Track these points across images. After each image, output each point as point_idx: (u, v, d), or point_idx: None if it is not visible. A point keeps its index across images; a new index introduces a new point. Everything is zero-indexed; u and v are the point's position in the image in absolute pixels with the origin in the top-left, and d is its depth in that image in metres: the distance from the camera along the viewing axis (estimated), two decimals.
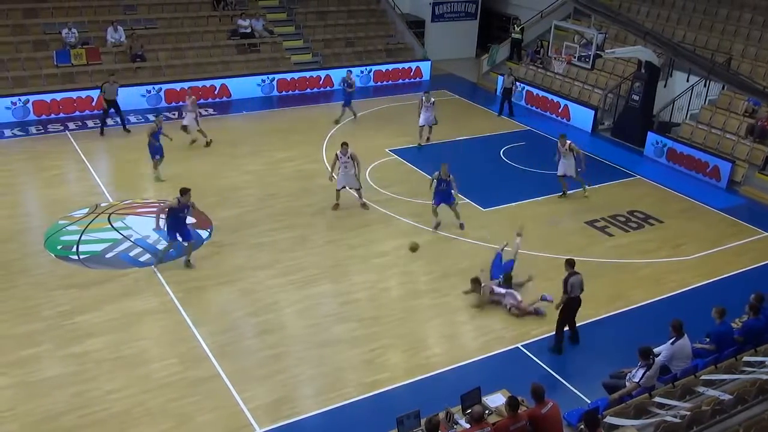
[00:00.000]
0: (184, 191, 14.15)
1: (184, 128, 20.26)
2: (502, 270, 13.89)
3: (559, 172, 18.22)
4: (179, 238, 14.36)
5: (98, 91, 21.63)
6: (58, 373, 11.33)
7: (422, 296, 14.00)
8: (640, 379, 10.03)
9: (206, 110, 23.81)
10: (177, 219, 14.18)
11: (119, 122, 21.73)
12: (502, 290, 13.40)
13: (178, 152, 19.94)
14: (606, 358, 11.87)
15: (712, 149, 20.76)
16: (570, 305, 12.22)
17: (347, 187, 17.05)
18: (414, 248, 14.19)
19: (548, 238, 16.32)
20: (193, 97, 20.45)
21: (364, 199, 17.24)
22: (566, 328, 12.50)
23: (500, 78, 26.42)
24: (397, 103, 25.31)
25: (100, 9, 25.23)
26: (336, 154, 16.73)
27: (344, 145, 16.71)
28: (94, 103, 22.48)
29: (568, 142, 17.98)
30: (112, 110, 21.43)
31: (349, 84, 22.87)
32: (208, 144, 20.54)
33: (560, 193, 18.55)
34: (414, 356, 12.20)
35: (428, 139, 21.58)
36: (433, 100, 21.10)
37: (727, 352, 10.80)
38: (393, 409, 9.62)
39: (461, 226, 16.36)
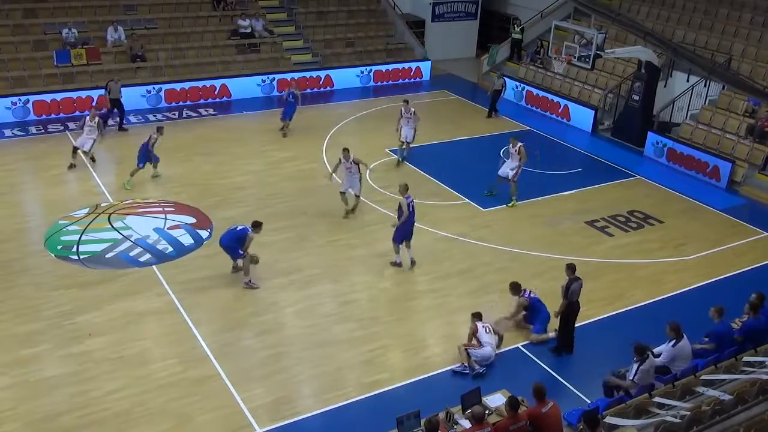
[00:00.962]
0: (257, 224, 13.80)
1: (84, 152, 18.77)
2: (543, 319, 12.73)
3: (501, 173, 17.81)
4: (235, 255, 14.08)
5: (103, 91, 21.51)
6: (58, 373, 11.33)
7: (422, 296, 14.00)
8: (634, 375, 10.07)
9: (206, 110, 23.87)
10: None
11: (118, 121, 21.71)
12: (485, 338, 11.90)
13: (177, 153, 19.96)
14: (606, 358, 11.85)
15: (712, 149, 20.75)
16: (572, 310, 12.14)
17: (350, 190, 16.68)
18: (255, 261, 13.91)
19: (548, 239, 16.32)
20: (97, 118, 18.86)
21: (356, 204, 16.84)
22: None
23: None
24: (397, 103, 25.22)
25: (100, 9, 25.22)
26: (339, 159, 16.49)
27: (345, 150, 16.36)
28: (94, 103, 22.47)
29: (519, 144, 17.52)
30: (115, 110, 21.45)
31: (295, 96, 21.56)
32: (71, 167, 18.71)
33: (488, 192, 18.17)
34: (414, 356, 12.20)
35: (405, 150, 20.03)
36: (413, 110, 19.81)
37: (727, 352, 10.80)
38: (393, 409, 9.62)
39: (412, 263, 14.78)
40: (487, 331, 12.06)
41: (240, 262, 14.04)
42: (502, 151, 18.18)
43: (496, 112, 24.74)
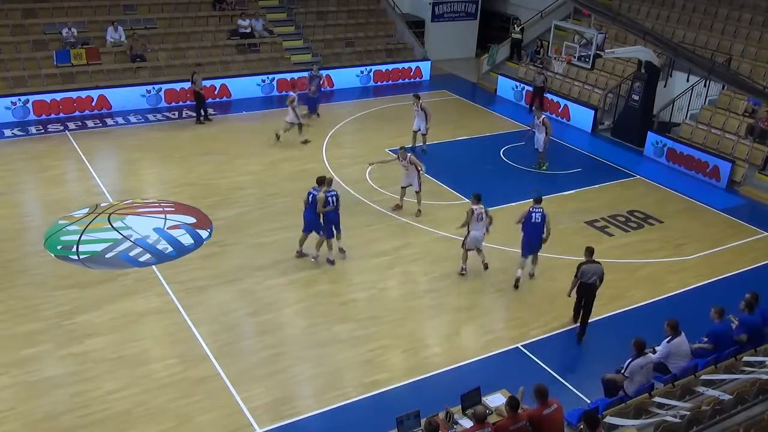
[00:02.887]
0: (320, 181, 14.36)
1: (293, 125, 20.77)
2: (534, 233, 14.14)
3: (536, 146, 20.08)
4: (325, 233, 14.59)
5: (189, 83, 22.60)
6: (58, 373, 11.33)
7: (422, 296, 14.00)
8: (625, 369, 10.09)
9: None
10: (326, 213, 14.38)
11: (198, 113, 22.63)
12: (473, 225, 14.07)
13: (177, 152, 19.97)
14: (606, 358, 11.86)
15: (712, 149, 20.76)
16: (586, 295, 12.53)
17: (411, 185, 17.02)
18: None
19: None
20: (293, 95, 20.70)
21: (420, 207, 17.09)
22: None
23: (501, 78, 26.44)
24: (397, 103, 25.32)
25: (100, 9, 25.22)
26: (397, 156, 17.14)
27: (402, 149, 17.04)
28: (92, 102, 22.49)
29: (543, 116, 19.55)
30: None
31: (320, 79, 23.13)
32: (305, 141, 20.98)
33: (543, 167, 20.30)
34: (414, 356, 12.20)
35: (423, 143, 21.01)
36: (421, 103, 20.37)
37: (727, 352, 10.80)
38: (393, 409, 9.61)
39: (330, 261, 14.87)
40: (479, 219, 14.06)
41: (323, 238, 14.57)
42: (529, 130, 20.59)
43: (539, 106, 24.40)
